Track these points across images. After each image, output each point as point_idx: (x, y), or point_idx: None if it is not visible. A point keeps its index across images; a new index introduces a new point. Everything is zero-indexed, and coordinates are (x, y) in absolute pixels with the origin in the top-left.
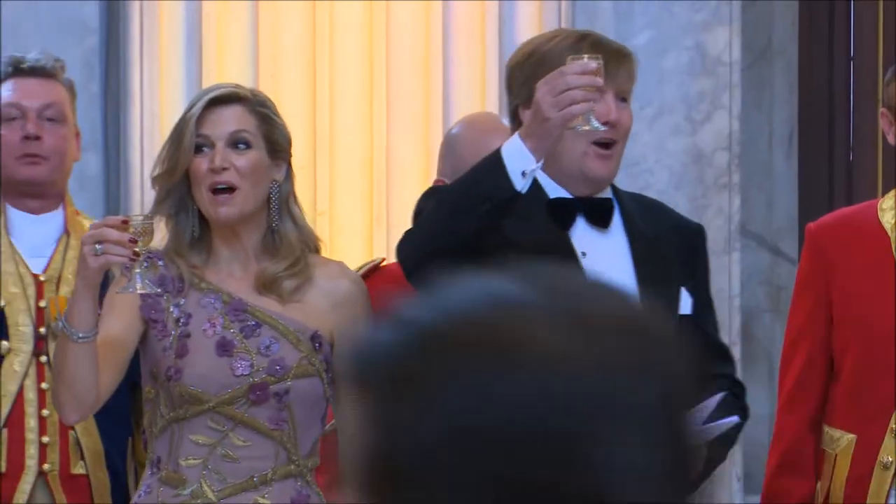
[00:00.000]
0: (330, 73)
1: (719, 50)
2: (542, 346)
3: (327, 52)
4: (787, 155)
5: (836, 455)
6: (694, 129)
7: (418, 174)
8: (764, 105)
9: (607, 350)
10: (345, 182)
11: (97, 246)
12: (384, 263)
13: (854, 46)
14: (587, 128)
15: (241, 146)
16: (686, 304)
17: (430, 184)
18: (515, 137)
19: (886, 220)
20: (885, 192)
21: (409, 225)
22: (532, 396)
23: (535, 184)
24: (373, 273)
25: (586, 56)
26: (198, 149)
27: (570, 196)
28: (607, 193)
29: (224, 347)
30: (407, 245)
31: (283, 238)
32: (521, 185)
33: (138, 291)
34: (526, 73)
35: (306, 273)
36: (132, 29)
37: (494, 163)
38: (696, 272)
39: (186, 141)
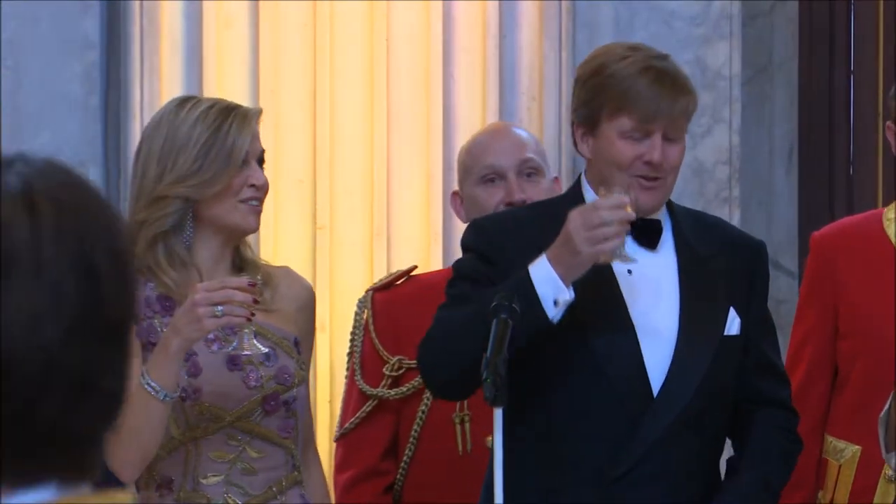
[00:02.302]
0: (330, 88)
1: (719, 64)
2: None
3: (327, 66)
4: (788, 169)
5: (840, 465)
6: (694, 143)
7: (419, 188)
8: (764, 119)
9: (20, 215)
10: (345, 196)
11: (218, 308)
12: (415, 272)
13: (854, 62)
14: (618, 260)
15: (260, 164)
16: (734, 325)
17: (430, 197)
18: (545, 263)
19: (893, 230)
20: (885, 206)
21: (408, 240)
22: None
23: (582, 202)
24: (406, 281)
25: (617, 189)
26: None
27: None
28: (659, 214)
29: (233, 361)
30: (435, 367)
31: (244, 253)
32: (552, 313)
33: (245, 352)
34: (592, 89)
35: (272, 282)
36: (133, 43)
37: (526, 291)
38: (753, 291)
39: (236, 157)
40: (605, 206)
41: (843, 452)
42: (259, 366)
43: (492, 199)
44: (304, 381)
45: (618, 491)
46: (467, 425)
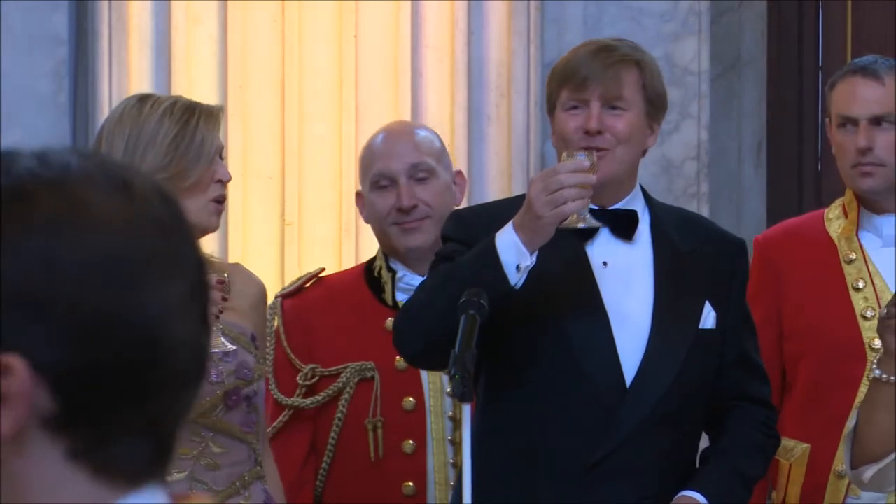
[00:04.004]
0: (299, 84)
1: (688, 60)
2: (96, 210)
3: (296, 62)
4: (756, 165)
5: (790, 465)
6: (663, 138)
7: None
8: (733, 115)
9: (151, 213)
10: (313, 192)
11: None
12: (323, 274)
13: (823, 58)
14: (581, 224)
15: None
16: (709, 318)
17: None
18: (510, 229)
19: (833, 229)
20: None
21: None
22: (89, 253)
23: None
24: (314, 284)
25: (578, 153)
26: None
27: (594, 206)
28: (636, 205)
29: None
30: (406, 336)
31: None
32: (515, 279)
33: (214, 349)
34: (549, 86)
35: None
36: (101, 40)
37: (490, 256)
38: (731, 287)
39: (207, 152)
40: (565, 170)
41: (793, 451)
42: (218, 362)
43: (385, 204)
44: (263, 376)
45: (590, 483)
46: (380, 431)
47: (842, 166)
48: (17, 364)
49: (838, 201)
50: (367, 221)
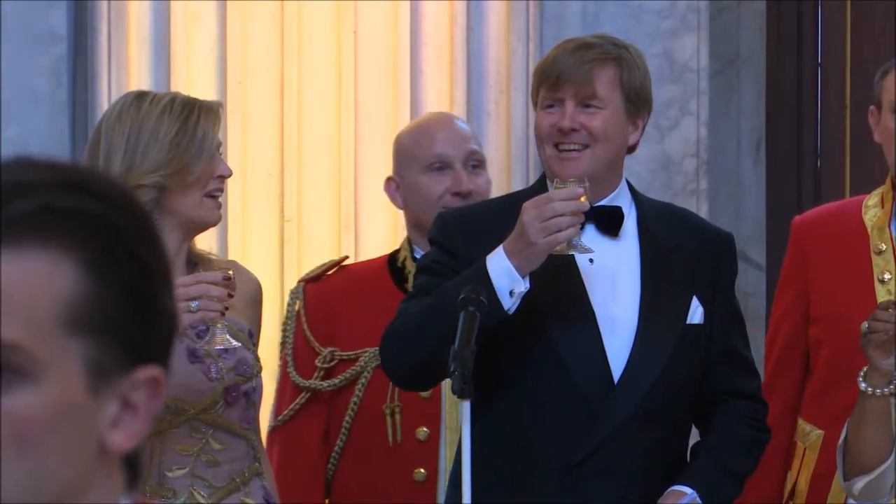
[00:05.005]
0: (298, 80)
1: (687, 57)
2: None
3: (295, 59)
4: (755, 162)
5: (805, 449)
6: (662, 135)
7: None
8: (732, 112)
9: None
10: (312, 189)
11: (193, 303)
12: (346, 262)
13: (822, 54)
14: (573, 252)
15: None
16: (696, 314)
17: None
18: (501, 254)
19: (868, 217)
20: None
21: (375, 232)
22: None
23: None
24: (337, 271)
25: (571, 181)
26: None
27: None
28: (621, 201)
29: (194, 354)
30: (396, 358)
31: (193, 246)
32: (508, 304)
33: (218, 346)
34: (533, 85)
35: None
36: (100, 37)
37: (483, 282)
38: (719, 281)
39: (209, 147)
40: (559, 198)
41: (809, 436)
42: (218, 358)
43: (438, 188)
44: (260, 372)
45: (578, 480)
46: (398, 416)
47: (891, 152)
48: (162, 378)
49: (878, 190)
50: (400, 207)
